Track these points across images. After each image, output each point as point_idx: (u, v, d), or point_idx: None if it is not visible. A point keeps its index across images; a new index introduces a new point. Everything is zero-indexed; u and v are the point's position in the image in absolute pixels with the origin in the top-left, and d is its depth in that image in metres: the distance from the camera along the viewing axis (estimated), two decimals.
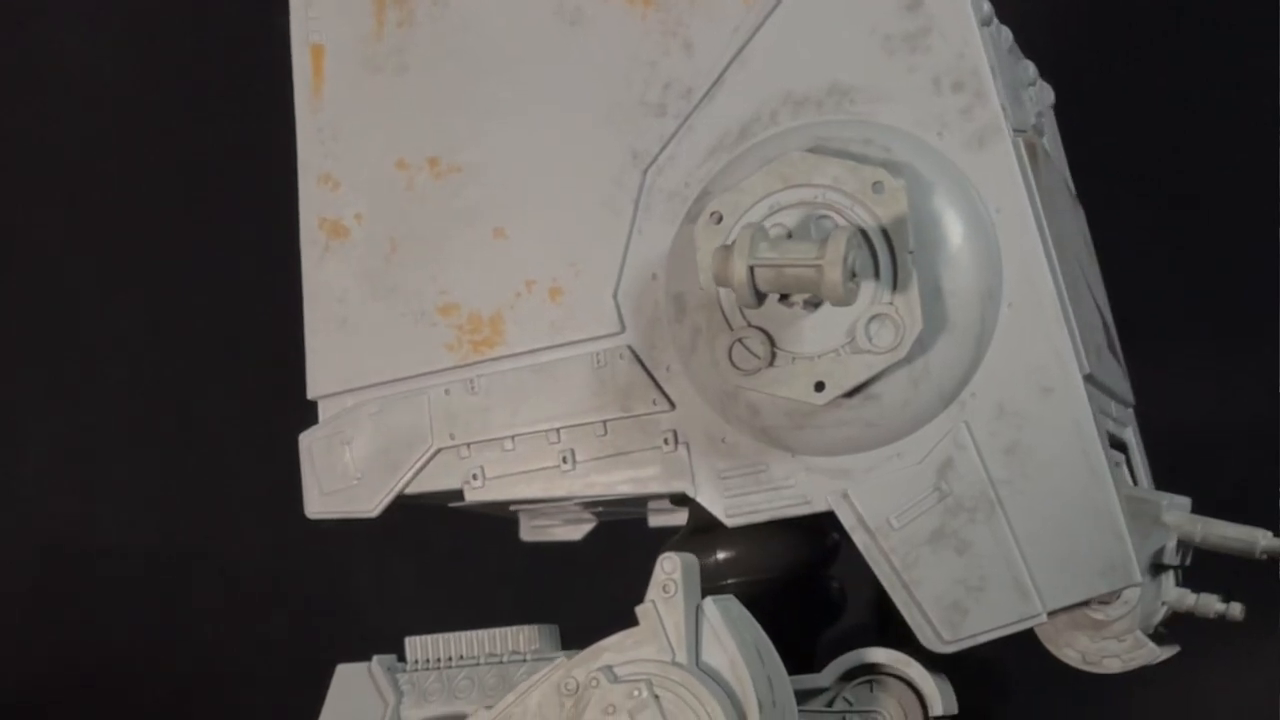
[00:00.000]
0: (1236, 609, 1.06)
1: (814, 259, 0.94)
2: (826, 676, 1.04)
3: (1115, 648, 1.05)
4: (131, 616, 1.68)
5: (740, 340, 0.99)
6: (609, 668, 0.96)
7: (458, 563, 1.56)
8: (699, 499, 1.04)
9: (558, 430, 1.06)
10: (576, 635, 1.08)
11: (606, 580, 1.14)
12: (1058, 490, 1.00)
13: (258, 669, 1.45)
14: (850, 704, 1.05)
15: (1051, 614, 1.02)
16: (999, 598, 1.00)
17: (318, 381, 1.10)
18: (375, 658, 1.10)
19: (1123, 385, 1.16)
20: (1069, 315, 1.01)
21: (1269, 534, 1.04)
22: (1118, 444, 1.13)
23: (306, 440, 1.10)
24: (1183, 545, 1.05)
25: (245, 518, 1.62)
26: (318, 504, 1.10)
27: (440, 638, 1.09)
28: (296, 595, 1.47)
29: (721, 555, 1.11)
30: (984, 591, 1.00)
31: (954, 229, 1.00)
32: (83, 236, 1.81)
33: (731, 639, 0.95)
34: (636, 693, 0.94)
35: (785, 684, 0.98)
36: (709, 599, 0.96)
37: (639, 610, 0.96)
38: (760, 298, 0.96)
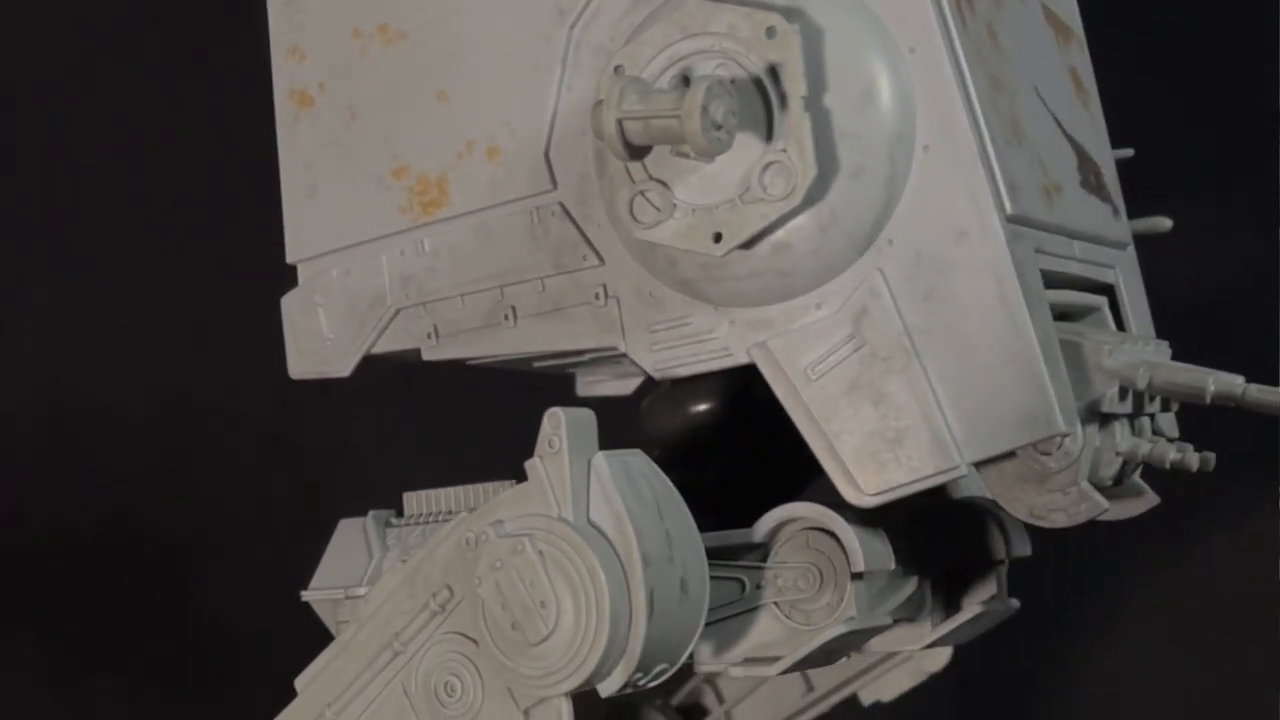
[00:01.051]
0: (1193, 460, 1.00)
1: (673, 110, 0.92)
2: (758, 531, 1.04)
3: (1060, 501, 1.01)
4: (131, 474, 1.73)
5: (641, 193, 0.98)
6: (500, 522, 0.97)
7: (471, 416, 1.57)
8: (629, 353, 1.04)
9: (501, 288, 1.07)
10: None
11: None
12: (976, 338, 0.96)
13: (259, 523, 1.50)
14: (785, 559, 1.04)
15: (979, 466, 0.99)
16: (917, 450, 0.97)
17: (294, 246, 1.14)
18: (371, 512, 1.14)
19: (1110, 226, 1.10)
20: (989, 155, 0.96)
21: (1222, 375, 0.98)
22: (1097, 288, 1.08)
23: (287, 303, 1.14)
24: (1137, 392, 1.00)
25: (246, 375, 1.65)
26: (297, 365, 1.14)
27: (435, 493, 1.12)
28: (298, 451, 1.51)
29: (699, 407, 1.11)
30: (901, 444, 0.97)
31: (858, 71, 0.96)
32: (82, 100, 1.84)
33: (618, 494, 0.95)
34: (519, 547, 0.95)
35: (691, 541, 0.97)
36: (603, 454, 0.96)
37: (526, 465, 0.97)
38: (636, 151, 0.95)
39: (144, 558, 1.67)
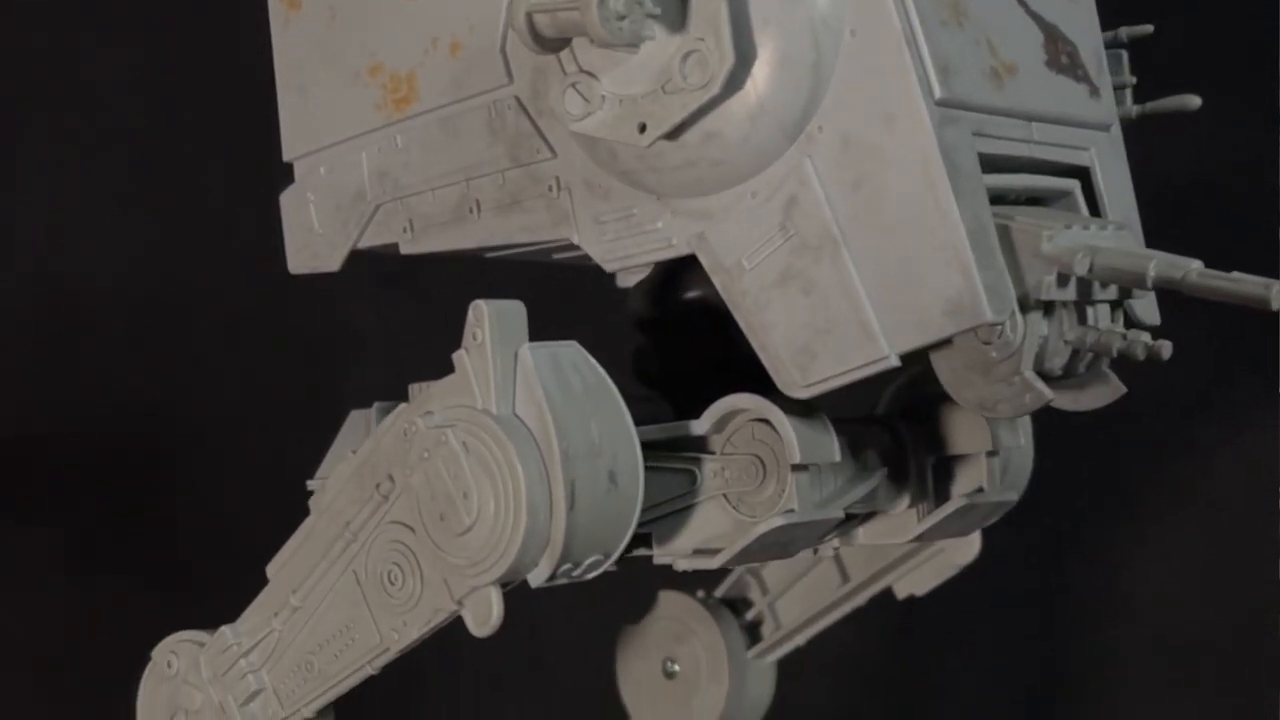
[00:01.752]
0: (1140, 348, 0.96)
1: (573, 1, 0.92)
2: (704, 423, 1.03)
3: (1005, 391, 0.98)
4: (132, 366, 1.75)
5: (572, 85, 0.98)
6: (430, 413, 0.98)
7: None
8: (581, 245, 1.04)
9: (466, 182, 1.08)
10: None
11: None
12: (904, 225, 0.94)
13: (262, 415, 1.51)
14: (732, 450, 1.03)
15: (922, 357, 0.97)
16: (846, 340, 0.96)
17: (289, 144, 1.16)
18: (376, 404, 1.16)
19: (1085, 107, 1.05)
20: (916, 37, 0.94)
21: (1165, 258, 0.94)
22: (1068, 171, 1.04)
23: (284, 200, 1.17)
24: (1082, 279, 0.97)
25: (250, 268, 1.65)
26: (295, 260, 1.17)
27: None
28: (302, 343, 1.51)
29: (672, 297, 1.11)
30: (831, 334, 0.96)
31: None
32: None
33: (540, 386, 0.95)
34: (444, 439, 0.97)
35: (622, 433, 0.97)
36: (530, 345, 0.97)
37: (453, 357, 0.98)
38: (547, 43, 0.95)
39: (145, 449, 1.70)
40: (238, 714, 1.09)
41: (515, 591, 0.98)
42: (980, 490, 1.11)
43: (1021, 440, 1.14)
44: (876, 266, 0.95)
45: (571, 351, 0.99)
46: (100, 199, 1.77)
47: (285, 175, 1.17)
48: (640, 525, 1.04)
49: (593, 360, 0.99)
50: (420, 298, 1.54)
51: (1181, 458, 1.87)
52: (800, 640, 1.35)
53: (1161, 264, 0.94)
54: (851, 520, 1.12)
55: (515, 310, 0.98)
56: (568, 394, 0.97)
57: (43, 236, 1.76)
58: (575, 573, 0.98)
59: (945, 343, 0.96)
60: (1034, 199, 1.03)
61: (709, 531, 1.04)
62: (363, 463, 1.03)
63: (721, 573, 1.38)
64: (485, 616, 0.98)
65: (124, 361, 1.72)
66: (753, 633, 1.36)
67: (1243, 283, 0.92)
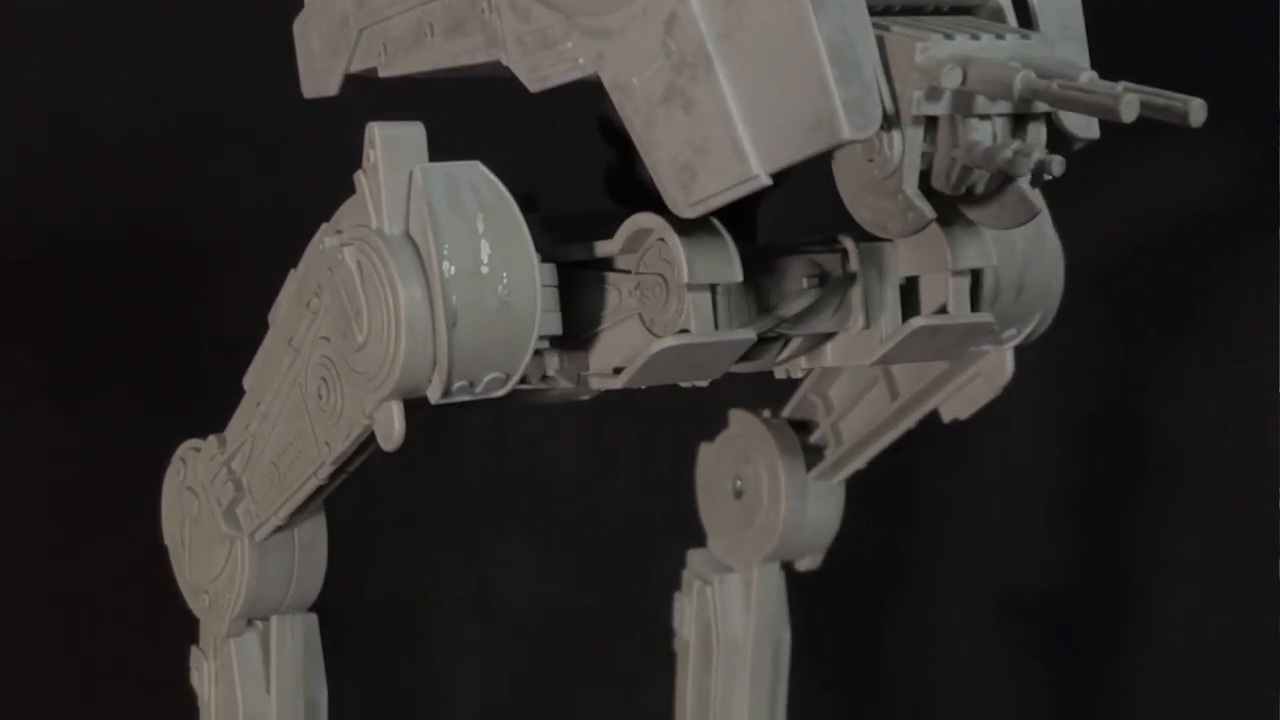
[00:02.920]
0: (1024, 163, 0.90)
1: None
2: (616, 242, 1.02)
3: (892, 209, 0.94)
4: (135, 186, 1.75)
5: None
6: (340, 231, 1.01)
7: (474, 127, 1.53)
8: (509, 65, 1.04)
9: (423, 5, 1.09)
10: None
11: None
12: (769, 42, 0.91)
13: (265, 236, 1.49)
14: (646, 269, 1.02)
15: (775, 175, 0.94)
16: (721, 159, 0.94)
17: None
18: None
19: None
20: None
21: (1030, 73, 0.88)
22: None
23: (296, 26, 1.20)
24: (965, 92, 0.91)
25: (254, 90, 1.65)
26: (306, 85, 1.20)
27: None
28: (309, 166, 1.49)
29: None
30: (708, 152, 0.94)
31: None
32: None
33: (426, 205, 0.97)
34: (340, 256, 0.99)
35: (519, 253, 0.98)
36: (425, 165, 0.98)
37: (354, 178, 1.00)
38: None
39: (147, 270, 1.73)
40: (222, 521, 1.16)
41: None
42: (944, 309, 1.07)
43: (995, 260, 1.08)
44: (747, 84, 0.92)
45: (472, 172, 0.99)
46: (100, 19, 1.76)
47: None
48: (567, 344, 1.05)
49: (495, 180, 1.00)
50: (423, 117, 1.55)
51: (1181, 457, 1.84)
52: (860, 463, 1.33)
53: (1028, 76, 0.88)
54: (821, 340, 1.10)
55: (411, 132, 0.99)
56: (457, 213, 0.98)
57: (44, 57, 1.75)
58: (477, 390, 1.00)
59: (823, 159, 0.93)
60: (958, 9, 0.98)
61: (628, 351, 1.03)
62: (300, 278, 1.06)
63: (788, 392, 1.37)
64: (388, 431, 1.00)
65: (126, 181, 1.75)
66: (817, 454, 1.35)
67: (1094, 93, 0.86)
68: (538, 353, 1.06)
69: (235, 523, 1.15)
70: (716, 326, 1.01)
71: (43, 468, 1.73)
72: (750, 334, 1.02)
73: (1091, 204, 1.51)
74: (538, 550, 1.80)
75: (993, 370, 1.22)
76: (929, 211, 0.93)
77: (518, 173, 1.06)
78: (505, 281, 0.98)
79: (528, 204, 1.05)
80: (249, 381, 1.13)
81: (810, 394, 1.35)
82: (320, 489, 1.09)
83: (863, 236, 1.08)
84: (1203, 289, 1.73)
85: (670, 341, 1.00)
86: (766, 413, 1.37)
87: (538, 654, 1.79)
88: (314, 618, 1.22)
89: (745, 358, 1.06)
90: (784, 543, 1.35)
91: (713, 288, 1.00)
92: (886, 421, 1.29)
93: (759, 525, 1.36)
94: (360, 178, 0.99)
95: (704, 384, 1.06)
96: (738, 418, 1.38)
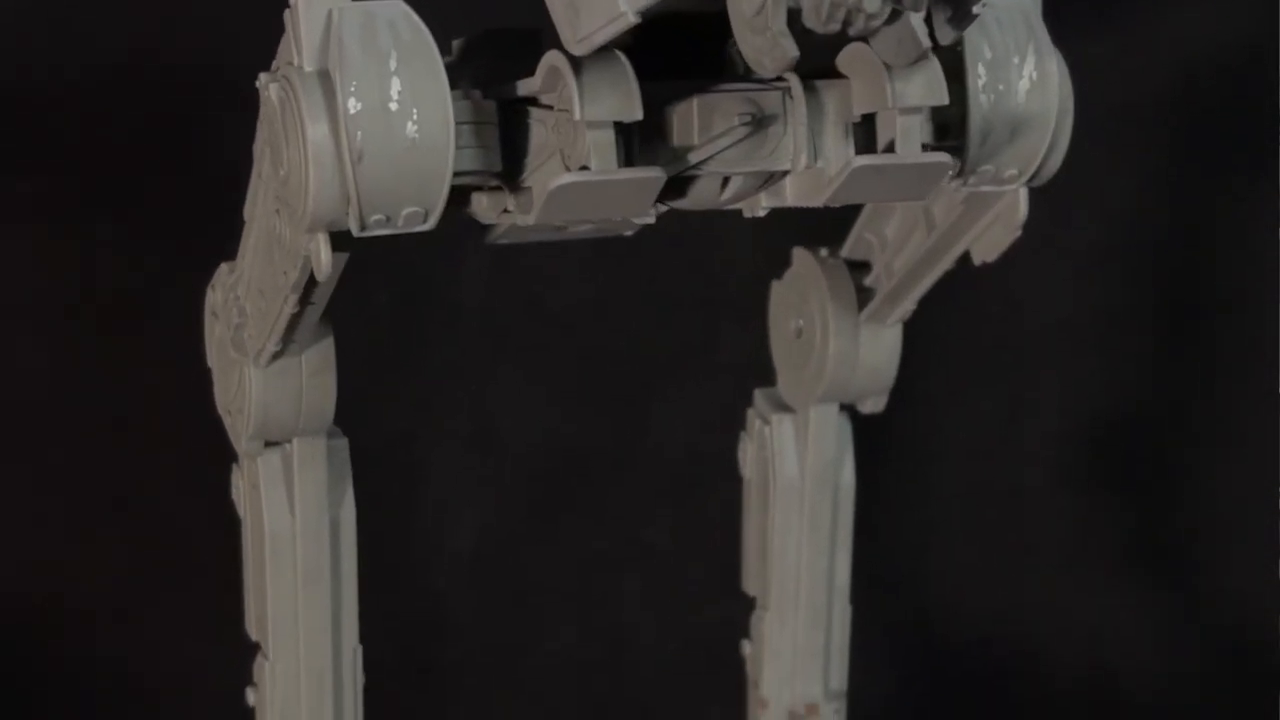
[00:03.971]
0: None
1: None
2: (535, 81, 1.02)
3: (764, 45, 0.91)
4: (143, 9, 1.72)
5: None
6: (276, 69, 1.03)
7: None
8: None
9: None
10: None
11: None
12: None
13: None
14: (563, 106, 1.01)
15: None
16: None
17: None
18: None
19: None
20: None
21: None
22: None
23: None
24: None
25: None
26: None
27: None
28: None
29: None
30: None
31: None
32: None
33: (338, 43, 0.98)
34: (267, 93, 1.02)
35: (433, 92, 0.98)
36: (343, 5, 0.99)
37: (284, 14, 1.02)
38: None
39: (150, 95, 1.71)
40: (230, 347, 1.21)
41: None
42: (890, 147, 1.04)
43: (945, 99, 1.04)
44: None
45: (392, 9, 1.00)
46: None
47: None
48: (516, 180, 1.06)
49: (416, 19, 1.00)
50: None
51: (1180, 456, 1.83)
52: (908, 305, 1.30)
53: None
54: (779, 178, 1.08)
55: None
56: (369, 51, 0.99)
57: None
58: (398, 224, 1.02)
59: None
60: None
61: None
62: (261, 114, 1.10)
63: (846, 231, 1.34)
64: (318, 262, 1.04)
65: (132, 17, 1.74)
66: (872, 296, 1.32)
67: None
68: (487, 189, 1.07)
69: (242, 347, 1.20)
70: (632, 164, 1.01)
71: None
72: (656, 173, 1.01)
73: None
74: (539, 384, 1.81)
75: (1009, 212, 1.18)
76: (792, 49, 0.90)
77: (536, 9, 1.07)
78: (415, 118, 0.99)
79: (532, 41, 1.06)
80: (246, 211, 1.18)
81: (865, 233, 1.32)
82: (295, 316, 1.13)
83: (810, 74, 1.05)
84: None
85: (569, 178, 0.99)
86: (824, 251, 1.35)
87: (537, 487, 1.80)
88: (342, 442, 1.27)
89: (684, 196, 1.06)
90: (835, 384, 1.33)
91: (618, 125, 1.00)
92: (925, 260, 1.26)
93: (813, 365, 1.34)
94: (286, 16, 1.01)
95: (636, 222, 1.06)
96: (799, 256, 1.36)
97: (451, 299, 1.69)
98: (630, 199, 1.03)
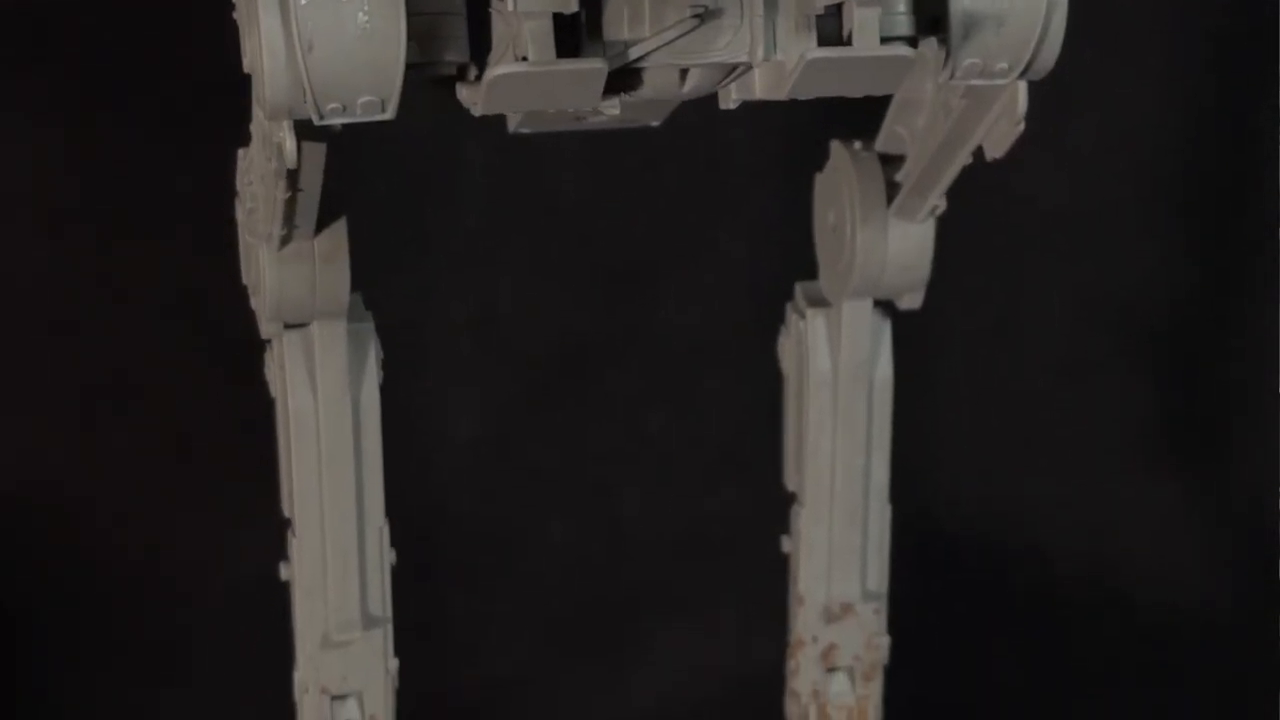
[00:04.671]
0: None
1: None
2: None
3: None
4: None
5: None
6: None
7: None
8: None
9: None
10: None
11: None
12: None
13: None
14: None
15: None
16: None
17: None
18: None
19: None
20: None
21: None
22: None
23: None
24: None
25: None
26: None
27: None
28: None
29: None
30: None
31: None
32: None
33: None
34: None
35: None
36: None
37: None
38: None
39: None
40: (247, 230, 1.24)
41: None
42: (847, 43, 1.02)
43: None
44: None
45: None
46: None
47: None
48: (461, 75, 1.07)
49: None
50: None
51: (1183, 347, 1.82)
52: (933, 199, 1.27)
53: None
54: (745, 70, 1.07)
55: None
56: None
57: None
58: (355, 113, 1.03)
59: None
60: None
61: None
62: None
63: (878, 124, 1.32)
64: (283, 149, 1.06)
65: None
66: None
67: None
68: (469, 80, 1.08)
69: (255, 231, 1.24)
70: (579, 54, 1.00)
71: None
72: (598, 64, 1.00)
73: None
74: (539, 274, 1.80)
75: (1010, 106, 1.15)
76: None
77: None
78: (366, 8, 1.00)
79: None
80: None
81: (896, 126, 1.30)
82: (289, 202, 1.16)
83: None
84: None
85: (506, 69, 1.00)
86: (858, 144, 1.33)
87: (537, 377, 1.80)
88: (367, 326, 1.29)
89: (637, 88, 1.05)
90: (865, 278, 1.31)
91: (564, 17, 0.99)
92: (942, 154, 1.23)
93: (845, 259, 1.33)
94: None
95: (584, 115, 1.06)
96: (836, 150, 1.34)
97: (453, 188, 1.70)
98: (574, 90, 1.03)
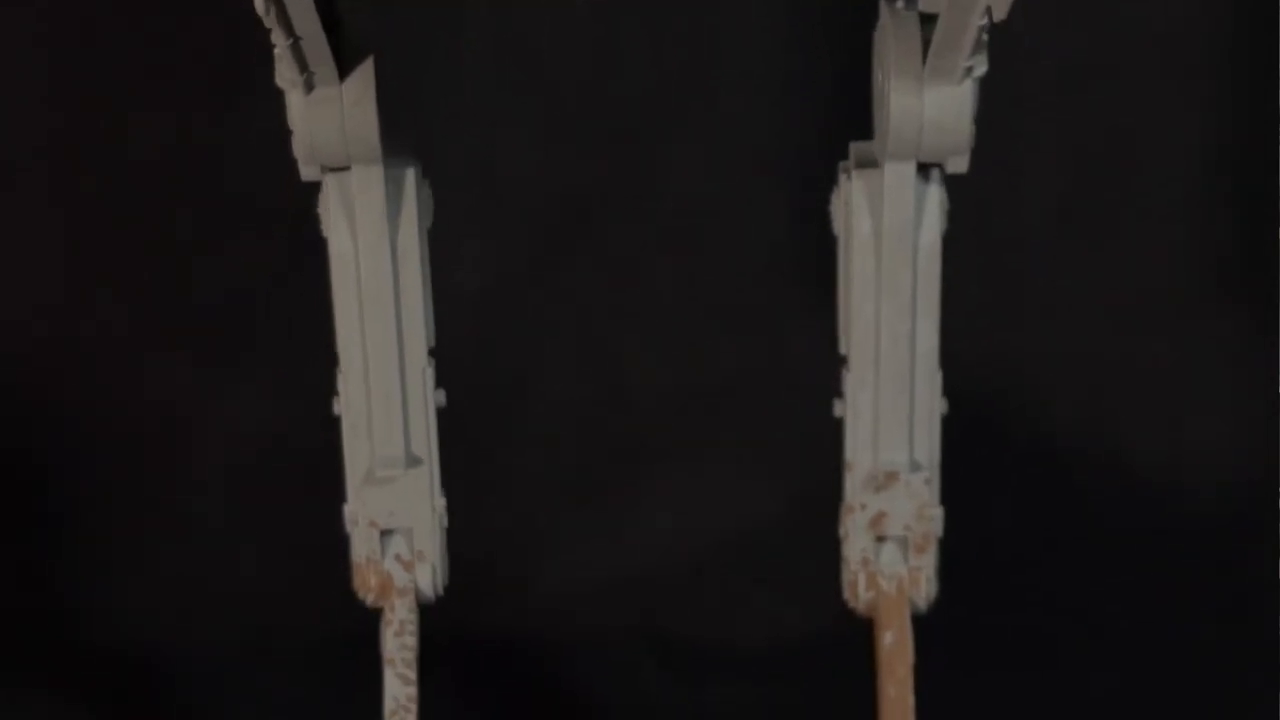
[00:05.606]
0: None
1: None
2: None
3: None
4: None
5: None
6: None
7: None
8: None
9: None
10: None
11: None
12: None
13: None
14: None
15: None
16: None
17: None
18: None
19: None
20: None
21: None
22: None
23: None
24: None
25: None
26: None
27: None
28: None
29: None
30: None
31: None
32: None
33: None
34: None
35: None
36: None
37: None
38: None
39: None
40: (277, 72, 1.28)
41: None
42: None
43: None
44: None
45: None
46: None
47: None
48: None
49: None
50: None
51: (1179, 455, 1.82)
52: (960, 57, 1.21)
53: None
54: None
55: None
56: None
57: None
58: None
59: None
60: None
61: None
62: None
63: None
64: None
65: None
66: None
67: None
68: None
69: (282, 74, 1.27)
70: None
71: None
72: None
73: None
74: (541, 130, 1.75)
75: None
76: None
77: None
78: None
79: None
80: None
81: None
82: (294, 48, 1.19)
83: None
84: None
85: None
86: (900, 2, 1.28)
87: (538, 233, 1.76)
88: (407, 171, 1.32)
89: None
90: (901, 139, 1.28)
91: None
92: (957, 6, 1.19)
93: (884, 119, 1.29)
94: None
95: None
96: (882, 7, 1.30)
97: (453, 46, 1.70)
98: None
